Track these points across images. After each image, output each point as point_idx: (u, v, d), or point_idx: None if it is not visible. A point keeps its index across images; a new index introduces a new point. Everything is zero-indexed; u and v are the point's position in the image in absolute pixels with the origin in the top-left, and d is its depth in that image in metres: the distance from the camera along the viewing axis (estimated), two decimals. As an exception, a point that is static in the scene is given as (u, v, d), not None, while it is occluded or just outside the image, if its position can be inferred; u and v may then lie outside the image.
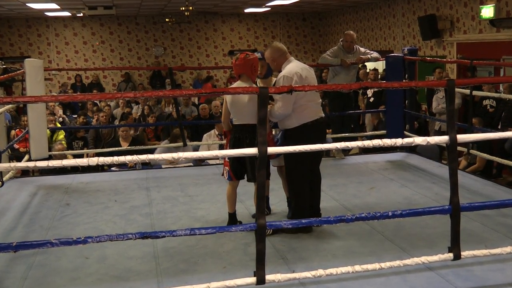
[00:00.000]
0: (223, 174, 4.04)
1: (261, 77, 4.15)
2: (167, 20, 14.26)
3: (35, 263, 3.41)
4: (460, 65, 9.65)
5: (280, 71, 3.94)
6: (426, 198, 4.60)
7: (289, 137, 3.85)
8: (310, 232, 3.82)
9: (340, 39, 6.35)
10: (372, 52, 6.37)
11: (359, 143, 3.18)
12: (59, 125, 9.14)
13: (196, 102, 11.07)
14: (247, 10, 15.16)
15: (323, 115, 3.97)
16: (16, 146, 6.88)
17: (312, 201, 3.98)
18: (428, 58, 7.95)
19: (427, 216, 3.76)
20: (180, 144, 6.40)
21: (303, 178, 3.89)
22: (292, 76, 3.78)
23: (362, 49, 6.32)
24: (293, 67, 3.87)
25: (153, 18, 16.02)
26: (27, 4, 11.40)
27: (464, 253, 2.97)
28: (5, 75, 5.18)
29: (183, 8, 12.11)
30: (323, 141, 3.95)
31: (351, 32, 6.33)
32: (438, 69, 9.43)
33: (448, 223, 3.01)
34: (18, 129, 8.04)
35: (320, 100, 4.05)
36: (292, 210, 3.99)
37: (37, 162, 2.62)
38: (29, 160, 5.41)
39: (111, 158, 2.67)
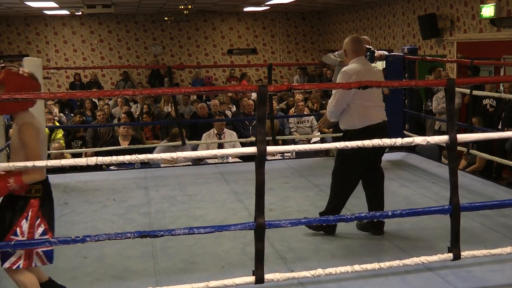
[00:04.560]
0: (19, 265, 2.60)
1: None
2: (166, 18, 14.24)
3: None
4: (461, 65, 9.64)
5: (346, 65, 3.89)
6: (425, 198, 4.59)
7: (350, 139, 3.77)
8: (333, 234, 3.78)
9: None
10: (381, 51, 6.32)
11: (358, 143, 3.16)
12: (57, 124, 9.11)
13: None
14: (246, 9, 15.13)
15: (386, 118, 3.87)
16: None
17: (373, 203, 3.85)
18: (428, 58, 7.94)
19: (426, 216, 3.75)
20: (179, 143, 6.39)
21: (352, 180, 3.79)
22: (352, 74, 3.71)
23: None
24: (357, 66, 3.79)
25: (152, 16, 15.99)
26: (25, 3, 11.37)
27: (463, 254, 2.96)
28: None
29: (182, 7, 12.09)
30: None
31: (365, 36, 6.28)
32: (434, 69, 9.43)
33: (447, 223, 2.99)
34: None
35: (383, 103, 3.94)
36: (326, 208, 3.85)
37: (36, 161, 2.59)
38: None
39: (110, 157, 2.65)
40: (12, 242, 2.55)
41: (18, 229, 2.57)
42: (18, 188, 2.55)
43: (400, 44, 11.92)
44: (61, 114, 10.63)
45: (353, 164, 3.73)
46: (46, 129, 6.40)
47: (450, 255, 2.95)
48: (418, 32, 10.98)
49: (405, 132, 6.17)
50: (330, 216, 3.01)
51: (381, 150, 3.76)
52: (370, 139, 2.91)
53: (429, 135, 7.97)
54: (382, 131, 3.74)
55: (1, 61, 5.92)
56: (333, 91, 3.81)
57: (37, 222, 2.61)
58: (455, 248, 2.94)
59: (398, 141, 2.91)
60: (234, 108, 10.43)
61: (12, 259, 2.58)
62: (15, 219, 2.59)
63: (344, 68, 3.82)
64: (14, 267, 2.59)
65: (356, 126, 3.74)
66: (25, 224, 2.58)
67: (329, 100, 3.84)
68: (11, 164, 2.52)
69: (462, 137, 2.97)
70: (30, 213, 2.59)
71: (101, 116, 8.83)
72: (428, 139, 2.95)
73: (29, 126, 2.64)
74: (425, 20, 10.49)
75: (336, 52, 6.25)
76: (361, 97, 3.70)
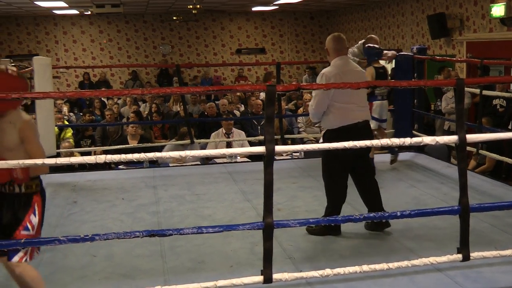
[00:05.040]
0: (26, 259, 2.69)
1: None
2: (174, 18, 14.26)
3: (43, 260, 3.41)
4: (470, 65, 9.58)
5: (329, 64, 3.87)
6: (434, 199, 4.56)
7: (329, 139, 3.75)
8: (339, 234, 3.78)
9: (361, 41, 6.28)
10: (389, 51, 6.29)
11: (367, 142, 3.15)
12: (66, 123, 9.16)
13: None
14: (254, 9, 15.13)
15: (368, 118, 3.87)
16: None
17: (369, 200, 3.87)
18: (438, 57, 7.90)
19: (435, 217, 3.73)
20: (188, 142, 6.40)
21: (339, 179, 3.80)
22: (331, 77, 3.69)
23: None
24: (335, 69, 3.76)
25: (161, 16, 16.03)
26: (35, 2, 11.45)
27: (473, 254, 2.94)
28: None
29: (191, 7, 12.11)
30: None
31: (374, 36, 6.26)
32: (444, 69, 9.35)
33: (457, 224, 2.98)
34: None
35: (367, 103, 3.95)
36: (325, 212, 3.85)
37: (45, 159, 2.62)
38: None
39: (119, 156, 2.66)
40: (22, 240, 2.60)
41: (29, 224, 2.67)
42: (21, 177, 2.66)
43: (409, 43, 11.87)
44: (71, 114, 10.69)
45: (334, 163, 3.75)
46: (56, 128, 6.45)
47: (460, 255, 2.93)
48: (427, 32, 10.92)
49: (414, 132, 6.14)
50: (338, 216, 3.01)
51: (362, 148, 3.76)
52: (346, 138, 2.93)
53: (439, 135, 7.93)
54: (361, 131, 3.72)
55: (11, 60, 5.95)
56: (313, 94, 3.79)
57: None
58: (464, 248, 2.93)
59: (407, 141, 2.90)
60: (242, 108, 10.43)
61: (21, 253, 2.66)
62: (22, 216, 2.68)
63: (323, 71, 3.80)
64: (23, 260, 2.67)
65: (333, 126, 3.75)
66: (34, 219, 2.70)
67: (310, 103, 3.84)
68: (20, 161, 2.54)
69: (471, 137, 2.95)
70: (36, 208, 2.72)
71: (110, 115, 8.87)
72: (437, 139, 2.94)
73: (30, 123, 2.74)
74: (434, 19, 10.43)
75: (349, 49, 6.21)
76: (340, 99, 3.68)
